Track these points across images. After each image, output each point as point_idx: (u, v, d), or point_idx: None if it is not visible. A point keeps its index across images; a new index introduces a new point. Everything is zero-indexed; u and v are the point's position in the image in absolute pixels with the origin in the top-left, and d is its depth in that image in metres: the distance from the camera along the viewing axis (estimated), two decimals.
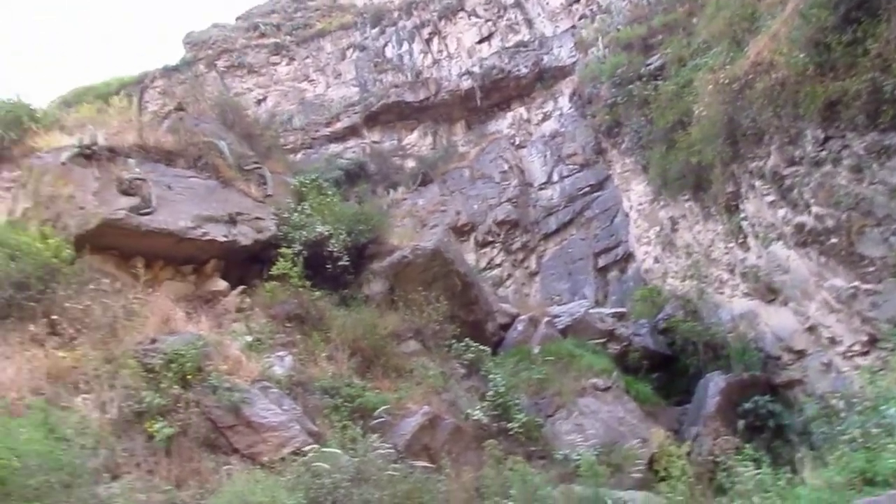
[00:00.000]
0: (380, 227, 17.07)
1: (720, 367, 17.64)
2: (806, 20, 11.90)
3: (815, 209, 12.77)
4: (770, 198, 14.64)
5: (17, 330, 10.82)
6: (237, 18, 51.00)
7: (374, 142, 40.62)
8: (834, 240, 12.44)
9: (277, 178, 17.84)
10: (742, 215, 16.73)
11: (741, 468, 9.59)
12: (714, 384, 16.60)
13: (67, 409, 9.33)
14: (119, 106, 20.80)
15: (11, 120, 17.46)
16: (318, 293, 14.17)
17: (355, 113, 41.02)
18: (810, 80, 11.77)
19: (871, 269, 11.77)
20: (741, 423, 14.90)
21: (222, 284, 14.06)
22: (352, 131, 40.92)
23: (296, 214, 15.85)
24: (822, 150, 12.12)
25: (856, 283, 12.30)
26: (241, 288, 13.97)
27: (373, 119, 40.89)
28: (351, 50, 45.35)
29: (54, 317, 11.03)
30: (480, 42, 42.93)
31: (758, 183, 15.07)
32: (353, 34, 46.36)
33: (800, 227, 13.60)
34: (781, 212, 14.27)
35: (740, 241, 17.44)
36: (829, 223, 12.38)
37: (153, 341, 10.77)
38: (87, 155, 13.48)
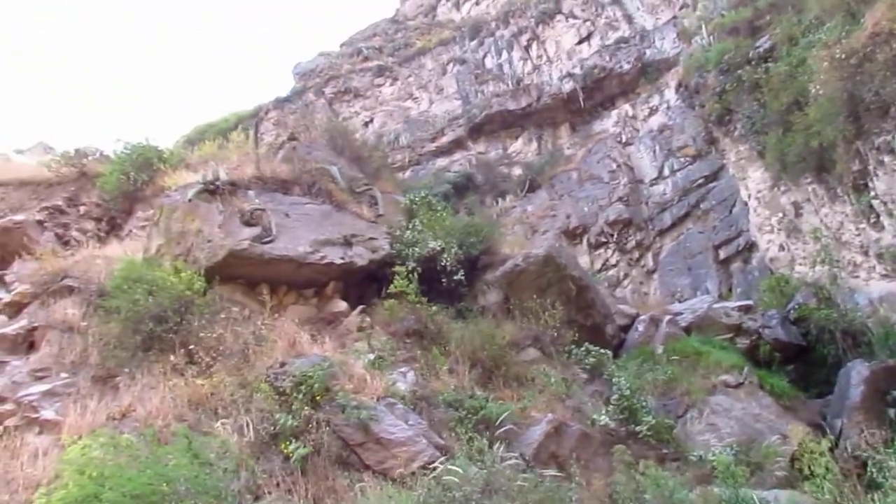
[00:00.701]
0: (490, 238, 17.21)
1: (862, 355, 16.57)
2: None
3: None
4: None
5: (158, 361, 11.69)
6: (341, 45, 52.94)
7: (480, 153, 40.94)
8: None
9: (388, 198, 18.35)
10: (872, 194, 15.78)
11: (893, 462, 8.99)
12: (857, 373, 15.56)
13: (209, 434, 9.95)
14: (237, 140, 22.11)
15: (142, 162, 18.94)
16: (434, 308, 14.43)
17: (459, 126, 41.54)
18: None
19: None
20: (891, 413, 13.95)
21: (342, 305, 14.60)
22: (457, 144, 41.43)
23: (408, 232, 16.24)
24: None
25: None
26: (360, 308, 14.47)
27: (477, 130, 41.26)
28: (451, 64, 45.99)
29: (191, 346, 11.84)
30: (580, 43, 42.53)
31: (887, 158, 14.20)
32: (453, 49, 47.01)
33: None
34: None
35: (872, 220, 16.44)
36: None
37: (282, 365, 11.33)
38: (211, 190, 14.42)
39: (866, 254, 17.47)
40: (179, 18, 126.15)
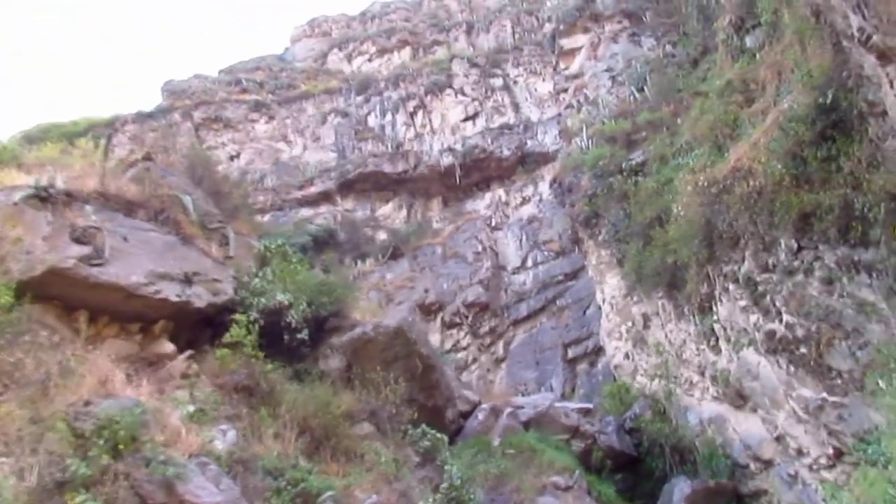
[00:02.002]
0: (343, 300, 17.05)
1: (687, 472, 17.65)
2: (784, 132, 12.54)
3: (786, 317, 13.10)
4: (743, 302, 14.99)
5: None
6: (220, 71, 51.99)
7: (347, 210, 40.98)
8: (803, 350, 12.73)
9: (241, 240, 17.86)
10: (715, 317, 17.04)
11: None
12: (679, 490, 16.58)
13: None
14: (84, 148, 20.80)
15: None
16: (270, 365, 13.95)
17: (330, 179, 41.49)
18: (786, 191, 12.29)
19: (839, 381, 12.04)
20: None
21: (169, 347, 13.78)
22: (325, 197, 41.27)
23: (256, 279, 15.79)
24: (794, 260, 12.55)
25: (823, 395, 12.54)
26: (189, 353, 13.70)
27: (348, 186, 41.38)
28: (333, 115, 46.22)
29: None
30: (465, 120, 44.08)
31: (731, 287, 15.44)
32: (337, 100, 47.36)
33: (771, 335, 13.90)
34: (753, 317, 14.59)
35: (712, 343, 17.71)
36: (800, 332, 12.69)
37: (87, 404, 10.30)
38: (43, 197, 13.20)
39: (702, 374, 18.76)
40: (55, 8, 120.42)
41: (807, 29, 12.74)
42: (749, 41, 19.59)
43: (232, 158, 43.59)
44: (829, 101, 11.34)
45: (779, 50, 16.10)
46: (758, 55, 18.46)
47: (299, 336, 15.03)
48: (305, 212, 40.18)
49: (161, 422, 10.94)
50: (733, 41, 20.17)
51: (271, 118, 46.32)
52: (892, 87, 8.64)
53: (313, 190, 41.34)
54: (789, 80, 14.77)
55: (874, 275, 10.84)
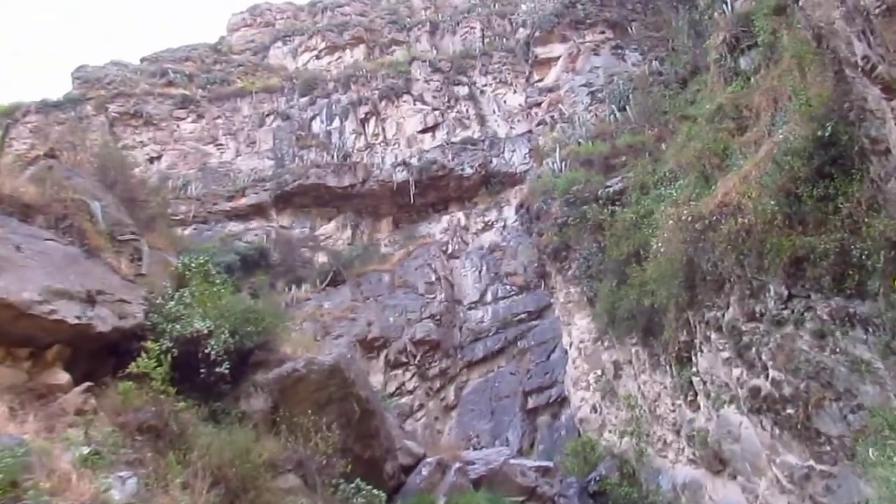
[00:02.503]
0: (272, 331, 16.84)
1: None
2: (778, 166, 12.82)
3: (772, 373, 13.31)
4: (725, 354, 15.19)
5: None
6: (143, 59, 51.53)
7: (283, 227, 40.76)
8: (790, 410, 12.92)
9: (157, 255, 17.58)
10: (694, 370, 17.24)
11: None
12: None
13: None
14: None
15: None
16: (183, 403, 13.64)
17: (265, 190, 41.22)
18: (778, 231, 12.54)
19: (828, 448, 12.22)
20: None
21: (64, 378, 13.36)
22: (258, 210, 40.99)
23: (172, 302, 15.51)
24: (784, 309, 12.77)
25: (810, 463, 12.71)
26: (86, 385, 13.33)
27: (285, 200, 41.18)
28: (272, 117, 46.12)
29: None
30: (424, 131, 44.34)
31: (714, 335, 15.65)
32: (278, 100, 47.29)
33: (755, 392, 14.10)
34: (737, 371, 14.80)
35: (690, 398, 17.89)
36: (787, 391, 12.89)
37: None
38: None
39: (678, 433, 18.92)
40: None
41: (807, 53, 13.10)
42: (744, 63, 20.11)
43: (151, 161, 43.10)
44: (828, 135, 11.64)
45: (776, 74, 16.53)
46: (752, 79, 18.94)
47: (219, 370, 14.76)
48: (234, 226, 39.80)
49: (48, 465, 10.60)
50: (726, 62, 20.67)
51: (200, 117, 45.99)
52: None
53: (245, 202, 41.04)
54: (786, 108, 15.14)
55: (870, 330, 11.06)
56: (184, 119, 45.63)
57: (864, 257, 10.82)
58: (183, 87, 47.28)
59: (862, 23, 8.29)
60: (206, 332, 14.96)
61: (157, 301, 15.53)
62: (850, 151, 11.43)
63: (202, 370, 14.74)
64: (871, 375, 10.97)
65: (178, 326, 14.78)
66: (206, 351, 14.79)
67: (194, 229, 38.53)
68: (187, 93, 46.73)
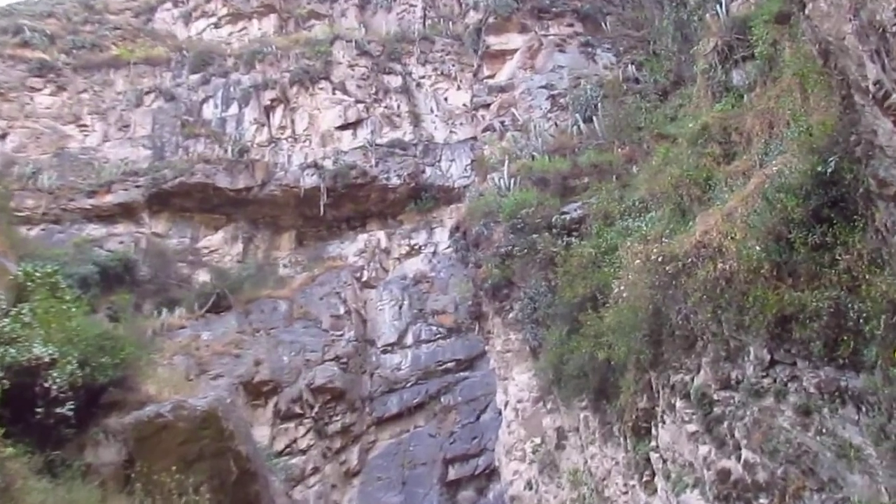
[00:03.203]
0: (133, 364, 16.56)
1: None
2: (770, 205, 13.14)
3: (746, 453, 13.58)
4: (692, 427, 15.45)
5: None
6: None
7: (156, 234, 40.12)
8: (764, 500, 13.18)
9: None
10: (653, 444, 17.47)
11: None
12: None
13: None
14: None
15: None
16: (11, 449, 13.35)
17: (137, 186, 40.45)
18: (764, 283, 12.83)
19: None
20: None
21: None
22: (126, 211, 40.24)
23: (7, 320, 15.17)
24: (764, 377, 13.06)
25: None
26: None
27: (162, 201, 40.56)
28: (153, 96, 45.52)
29: None
30: (343, 128, 44.25)
31: (679, 403, 15.91)
32: (162, 75, 46.79)
33: (724, 475, 14.35)
34: (704, 449, 15.05)
35: (646, 478, 18.10)
36: (762, 476, 13.16)
37: None
38: None
39: None
40: None
41: (811, 72, 13.51)
42: (736, 77, 20.64)
43: None
44: (829, 171, 11.95)
45: (773, 94, 17.01)
46: (746, 97, 19.45)
47: (60, 410, 14.44)
48: (94, 230, 38.95)
49: None
50: (716, 74, 21.19)
51: (61, 89, 45.11)
52: None
53: (110, 199, 40.16)
54: (782, 135, 15.57)
55: (863, 409, 11.34)
56: (40, 90, 44.66)
57: (861, 321, 11.07)
58: (41, 51, 46.34)
59: (877, 41, 8.55)
60: (47, 360, 14.63)
61: None
62: (853, 193, 11.70)
63: (39, 409, 14.42)
64: (861, 464, 11.20)
65: (11, 351, 14.41)
66: (47, 385, 14.45)
67: (43, 230, 37.60)
68: (46, 57, 45.81)
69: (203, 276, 38.85)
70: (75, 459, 14.73)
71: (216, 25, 51.19)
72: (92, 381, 15.38)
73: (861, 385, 11.30)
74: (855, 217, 11.64)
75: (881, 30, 8.28)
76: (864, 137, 10.84)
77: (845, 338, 11.35)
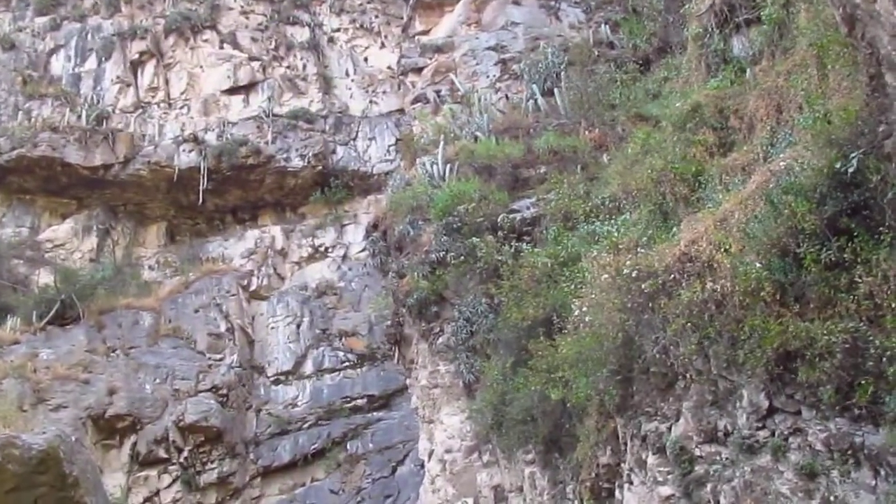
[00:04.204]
0: None
1: None
2: (775, 210, 13.19)
3: None
4: (667, 489, 15.53)
5: None
6: None
7: None
8: None
9: None
10: None
11: None
12: None
13: None
14: None
15: None
16: None
17: None
18: (764, 309, 12.88)
19: None
20: None
21: None
22: None
23: None
24: (761, 429, 13.13)
25: None
26: None
27: None
28: None
29: None
30: (232, 92, 43.99)
31: (652, 459, 15.98)
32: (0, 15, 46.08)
33: None
34: None
35: None
36: None
37: None
38: None
39: None
40: None
41: (832, 44, 13.64)
42: (737, 46, 20.84)
43: None
44: (851, 171, 12.05)
45: (783, 70, 17.18)
46: (749, 71, 19.63)
47: None
48: None
49: None
50: (712, 41, 21.35)
51: None
52: None
53: None
54: (794, 122, 15.73)
55: (882, 473, 11.47)
56: None
57: (884, 361, 11.18)
58: None
59: None
60: None
61: None
62: (880, 199, 11.78)
63: None
64: None
65: None
66: None
67: None
68: None
69: (45, 278, 38.31)
70: None
71: None
72: None
73: (880, 442, 11.36)
74: (881, 229, 11.69)
75: None
76: (895, 129, 10.97)
77: (863, 382, 11.41)
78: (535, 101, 28.44)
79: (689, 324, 14.23)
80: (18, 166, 39.72)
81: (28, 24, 45.61)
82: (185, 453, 34.13)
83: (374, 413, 35.75)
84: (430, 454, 26.44)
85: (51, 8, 45.99)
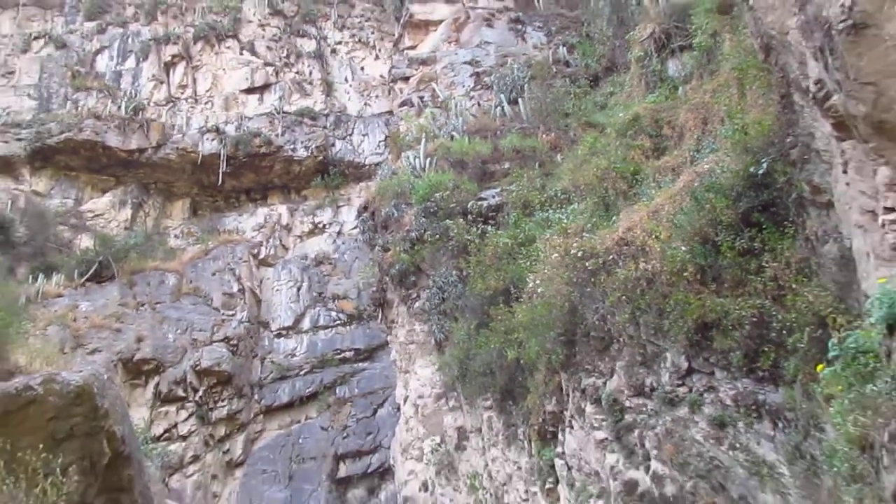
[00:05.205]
0: (0, 332, 16.15)
1: None
2: (698, 204, 13.31)
3: (655, 465, 13.73)
4: (601, 434, 15.58)
5: None
6: None
7: (37, 192, 39.18)
8: None
9: None
10: (558, 450, 17.59)
11: None
12: None
13: None
14: None
15: None
16: None
17: (19, 139, 39.48)
18: (687, 286, 12.97)
19: None
20: None
21: None
22: (5, 166, 39.30)
23: None
24: (680, 386, 13.22)
25: None
26: None
27: (45, 157, 39.63)
28: (42, 41, 44.40)
29: None
30: (249, 91, 43.78)
31: (589, 409, 16.03)
32: (54, 19, 45.69)
33: (631, 486, 14.50)
34: (612, 457, 15.19)
35: (549, 485, 18.22)
36: (670, 489, 13.33)
37: None
38: None
39: None
40: None
41: (751, 67, 13.71)
42: (672, 67, 20.88)
43: None
44: (762, 173, 12.14)
45: (710, 88, 17.25)
46: (681, 89, 19.69)
47: None
48: None
49: None
50: (652, 63, 21.41)
51: None
52: (845, 171, 9.31)
53: None
54: (716, 132, 15.79)
55: (779, 425, 11.53)
56: None
57: (784, 332, 11.23)
58: None
59: (821, 38, 8.64)
60: None
61: None
62: (785, 198, 11.88)
63: None
64: (774, 482, 11.39)
65: None
66: None
67: None
68: None
69: (85, 242, 38.06)
70: None
71: None
72: None
73: (779, 400, 11.48)
74: (785, 223, 11.81)
75: (827, 26, 8.37)
76: (800, 140, 11.01)
77: (766, 349, 11.52)
78: (502, 108, 28.39)
79: (623, 297, 14.32)
80: (66, 147, 39.41)
81: (78, 27, 45.20)
82: (200, 393, 34.00)
83: (360, 364, 35.73)
84: (406, 399, 26.45)
85: (98, 14, 45.60)
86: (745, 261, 12.23)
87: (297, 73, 44.91)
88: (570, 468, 17.11)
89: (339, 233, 40.08)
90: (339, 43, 46.61)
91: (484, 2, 32.60)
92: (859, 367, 8.46)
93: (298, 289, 38.36)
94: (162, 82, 43.72)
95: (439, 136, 28.00)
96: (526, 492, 19.29)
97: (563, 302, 16.34)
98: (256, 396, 35.43)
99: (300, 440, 34.21)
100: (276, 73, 44.53)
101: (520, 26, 32.06)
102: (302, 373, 35.82)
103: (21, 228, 36.47)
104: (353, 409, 34.37)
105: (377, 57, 45.17)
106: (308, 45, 45.79)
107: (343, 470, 32.94)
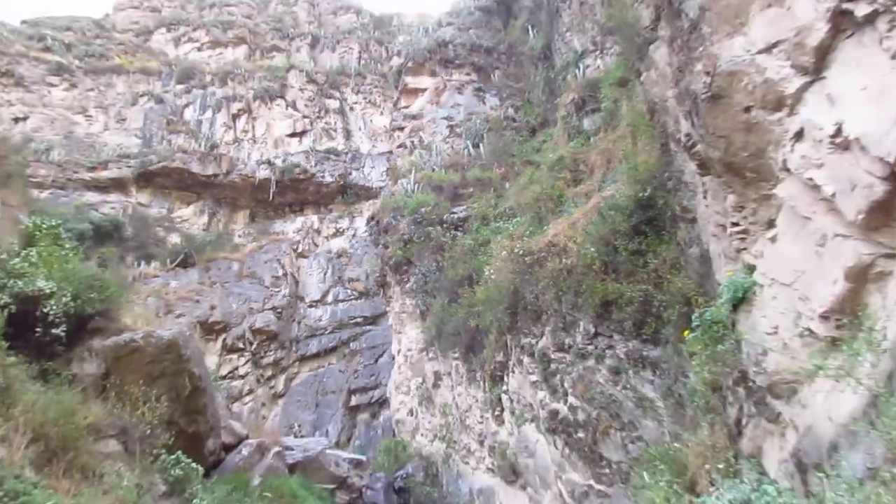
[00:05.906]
0: (115, 300, 15.92)
1: None
2: (603, 218, 13.42)
3: (571, 399, 13.84)
4: (534, 377, 15.67)
5: None
6: (23, 22, 48.10)
7: (141, 204, 38.90)
8: (581, 434, 13.47)
9: (7, 212, 16.34)
10: (504, 388, 17.67)
11: None
12: None
13: None
14: None
15: None
16: (13, 358, 12.73)
17: (129, 166, 39.23)
18: (594, 276, 13.08)
19: (607, 471, 12.82)
20: None
21: None
22: (118, 185, 38.91)
23: (17, 259, 14.44)
24: (589, 344, 13.33)
25: (591, 482, 13.29)
26: None
27: (147, 178, 39.36)
28: (146, 98, 44.02)
29: None
30: (292, 136, 43.61)
31: (526, 360, 16.11)
32: (154, 83, 45.24)
33: (554, 414, 14.60)
34: (541, 394, 15.28)
35: (497, 413, 18.31)
36: (581, 416, 13.43)
37: None
38: None
39: (481, 443, 19.32)
40: None
41: (641, 124, 13.82)
42: (586, 123, 20.96)
43: (17, 121, 40.10)
44: (647, 197, 12.28)
45: (612, 138, 17.34)
46: (592, 139, 19.79)
47: (55, 331, 13.81)
48: (92, 196, 37.59)
49: None
50: (572, 120, 21.50)
51: (73, 86, 43.25)
52: (704, 196, 9.49)
53: (106, 174, 38.85)
54: (616, 169, 15.90)
55: (657, 373, 11.65)
56: (56, 86, 42.74)
57: (661, 309, 11.38)
58: (59, 56, 44.29)
59: (690, 104, 8.78)
60: (47, 292, 14.00)
61: (2, 256, 14.43)
62: (664, 215, 12.03)
63: (38, 329, 13.77)
64: (653, 412, 11.52)
65: (19, 283, 13.74)
66: (45, 311, 13.83)
67: (51, 194, 36.05)
68: (63, 61, 43.85)
69: (175, 239, 37.82)
70: (63, 370, 14.13)
71: (199, 49, 49.74)
72: (81, 310, 14.79)
73: (657, 355, 11.60)
74: (663, 233, 11.95)
75: (694, 96, 8.49)
76: (674, 175, 11.12)
77: (649, 320, 11.64)
78: (469, 150, 28.37)
79: (550, 282, 14.38)
80: (162, 172, 39.22)
81: (171, 88, 44.85)
82: (254, 346, 33.88)
83: (367, 327, 35.68)
84: (398, 351, 26.46)
85: (186, 79, 45.26)
86: (635, 258, 12.32)
87: (325, 123, 44.75)
88: (512, 401, 17.19)
89: (353, 235, 39.98)
90: (356, 103, 46.50)
91: (457, 76, 32.56)
92: (713, 333, 8.56)
93: (325, 274, 38.29)
94: (230, 128, 43.45)
95: (425, 169, 27.97)
96: (481, 417, 19.37)
97: (508, 285, 16.40)
98: (294, 348, 35.32)
99: (324, 379, 34.13)
100: (311, 123, 44.36)
101: (481, 93, 32.03)
102: (326, 332, 35.74)
103: (129, 229, 36.22)
104: (362, 358, 34.35)
105: (382, 113, 45.06)
106: (333, 104, 45.64)
107: (354, 400, 32.90)
